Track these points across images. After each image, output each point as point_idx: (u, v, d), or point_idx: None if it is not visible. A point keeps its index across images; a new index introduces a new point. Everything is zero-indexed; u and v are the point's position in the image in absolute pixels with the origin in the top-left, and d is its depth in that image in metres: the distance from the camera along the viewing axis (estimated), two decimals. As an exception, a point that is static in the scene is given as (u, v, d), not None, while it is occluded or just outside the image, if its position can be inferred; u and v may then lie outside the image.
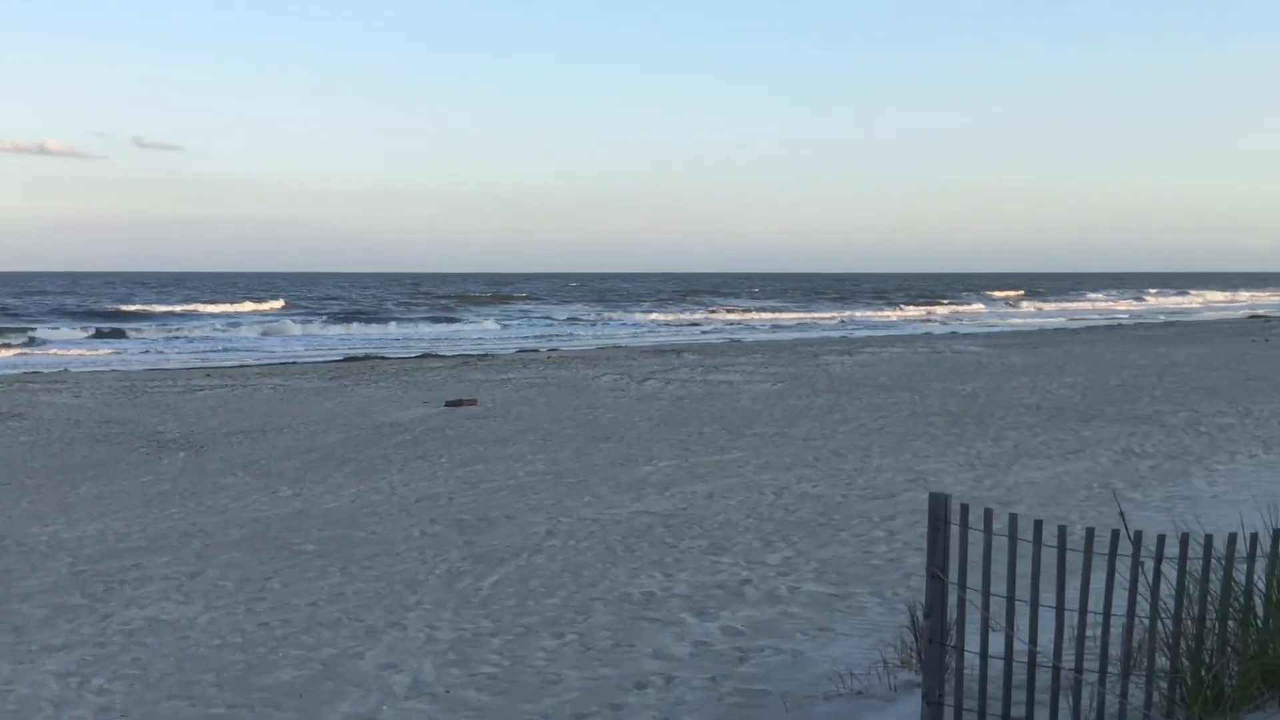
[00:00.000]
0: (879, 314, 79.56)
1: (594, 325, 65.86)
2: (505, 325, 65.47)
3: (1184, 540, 4.91)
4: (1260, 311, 73.20)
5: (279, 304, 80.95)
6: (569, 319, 71.42)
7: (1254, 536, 4.93)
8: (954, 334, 51.45)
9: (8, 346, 46.01)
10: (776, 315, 77.99)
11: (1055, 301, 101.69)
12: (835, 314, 78.41)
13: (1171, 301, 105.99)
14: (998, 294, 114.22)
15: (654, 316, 74.34)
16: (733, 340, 48.97)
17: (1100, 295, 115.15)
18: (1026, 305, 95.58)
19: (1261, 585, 4.86)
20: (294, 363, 38.38)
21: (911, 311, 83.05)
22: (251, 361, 39.15)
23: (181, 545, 10.79)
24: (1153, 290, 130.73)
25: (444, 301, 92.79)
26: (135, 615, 8.44)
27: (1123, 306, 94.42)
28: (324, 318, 68.86)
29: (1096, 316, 75.59)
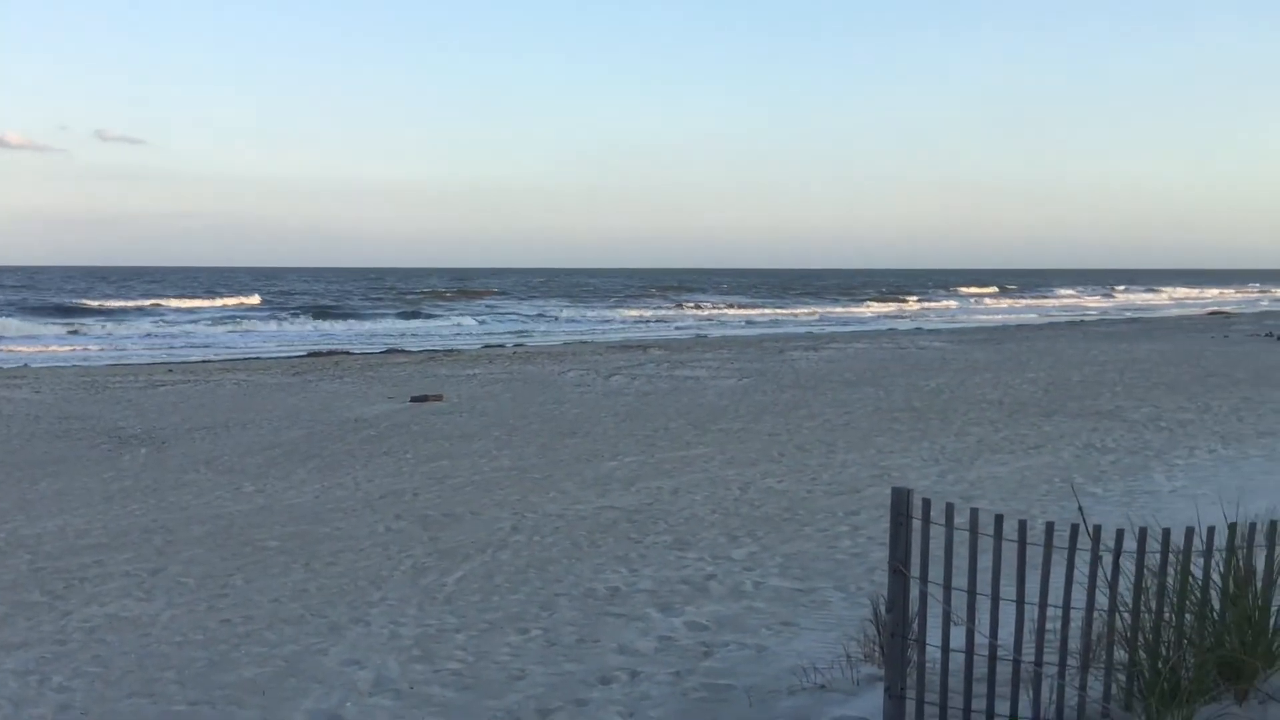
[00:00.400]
0: (848, 310, 79.88)
1: (560, 321, 65.76)
2: (473, 320, 65.23)
3: (1142, 535, 4.96)
4: (1223, 309, 74.09)
5: (255, 299, 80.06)
6: (536, 315, 71.28)
7: (1211, 530, 4.99)
8: (919, 330, 51.75)
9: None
10: (744, 311, 78.17)
11: (1025, 298, 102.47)
12: (804, 310, 78.67)
13: (1140, 298, 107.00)
14: (969, 290, 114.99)
15: (621, 312, 74.33)
16: (699, 336, 49.05)
17: (1071, 291, 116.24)
18: (997, 301, 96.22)
19: (1218, 579, 4.91)
20: (258, 358, 38.08)
21: (880, 307, 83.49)
22: (214, 357, 38.83)
23: (143, 542, 10.69)
24: (1121, 287, 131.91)
25: (409, 297, 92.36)
26: (96, 613, 8.36)
27: (1092, 303, 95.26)
28: (290, 313, 68.36)
29: (1064, 313, 76.20)
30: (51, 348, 43.77)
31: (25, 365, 34.47)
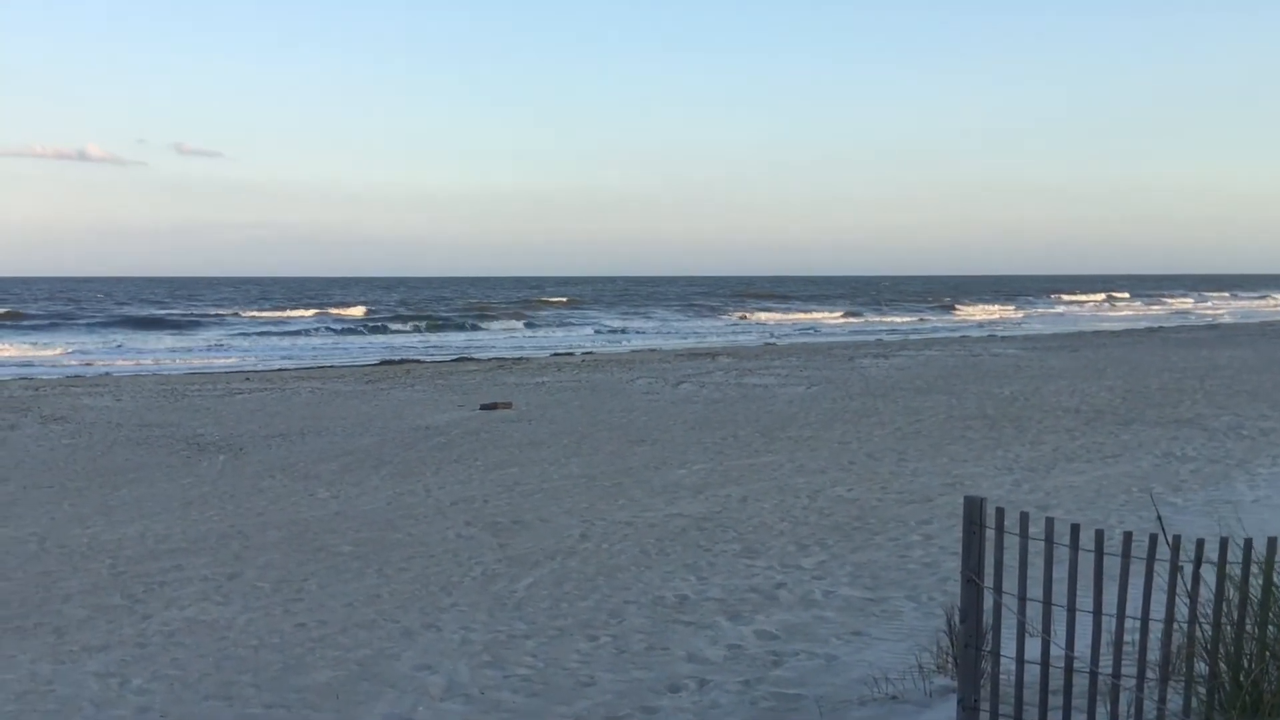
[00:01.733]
0: (945, 318, 78.97)
1: (628, 330, 65.90)
2: (539, 329, 65.63)
3: (1223, 544, 4.85)
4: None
5: (358, 310, 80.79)
6: (606, 322, 71.50)
7: (1294, 540, 4.86)
8: (992, 337, 51.07)
9: (50, 348, 46.69)
10: (812, 317, 77.77)
11: (1139, 304, 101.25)
12: (903, 317, 78.04)
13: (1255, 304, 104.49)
14: (1079, 296, 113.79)
15: (689, 320, 74.31)
16: (767, 343, 48.85)
17: (1190, 297, 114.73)
18: (1117, 309, 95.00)
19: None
20: (332, 366, 38.65)
21: (983, 312, 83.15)
22: (290, 365, 39.47)
23: (220, 547, 10.89)
24: (1225, 294, 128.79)
25: (482, 306, 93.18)
26: (174, 616, 8.52)
27: (1211, 309, 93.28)
28: (368, 323, 69.34)
29: (1193, 318, 74.77)
30: (129, 361, 44.80)
31: (107, 374, 35.32)
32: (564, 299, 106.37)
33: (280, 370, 36.22)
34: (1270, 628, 4.78)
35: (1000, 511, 5.16)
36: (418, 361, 39.37)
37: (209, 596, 9.07)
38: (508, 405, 22.27)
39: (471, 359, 40.38)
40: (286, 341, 54.20)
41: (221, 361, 42.29)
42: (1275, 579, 4.82)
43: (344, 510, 12.63)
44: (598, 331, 63.08)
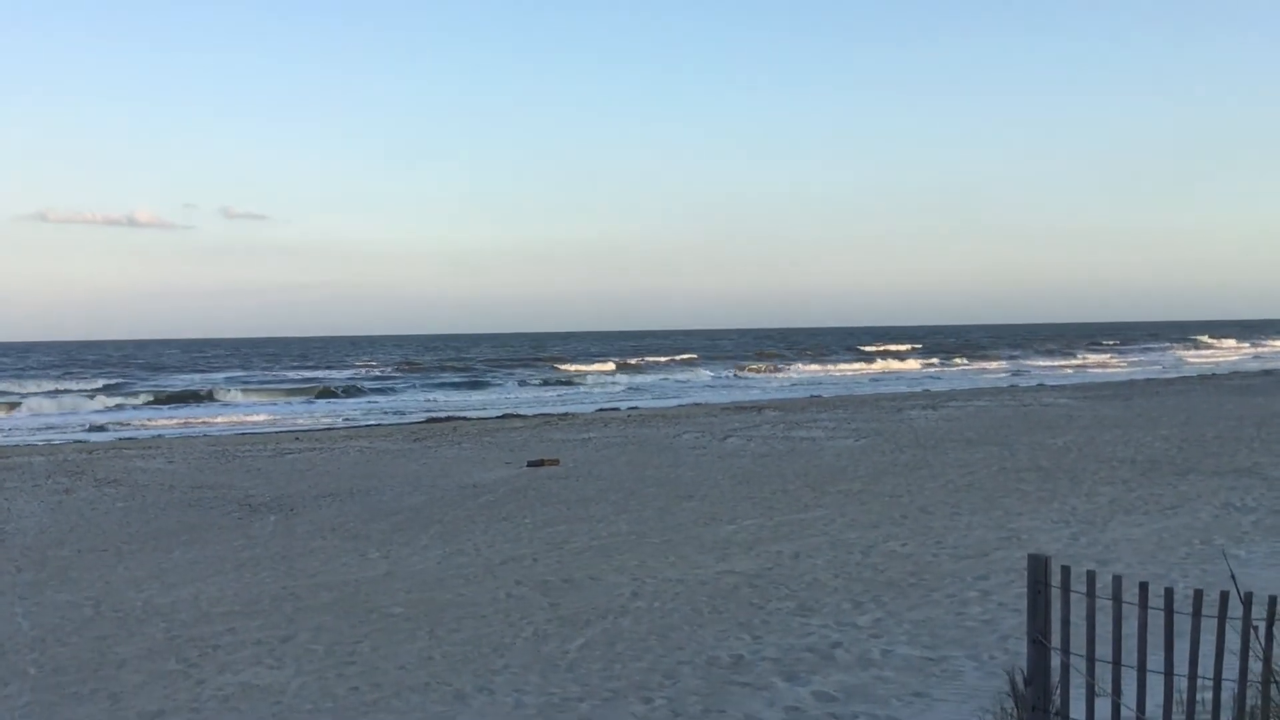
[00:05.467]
0: (1044, 363, 78.41)
1: (672, 384, 65.89)
2: (581, 384, 65.80)
3: (1297, 602, 4.71)
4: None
5: (394, 368, 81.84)
6: (651, 378, 71.53)
7: (1373, 598, 4.72)
8: (1041, 386, 50.53)
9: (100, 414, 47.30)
10: (854, 368, 77.41)
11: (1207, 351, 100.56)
12: (938, 366, 77.56)
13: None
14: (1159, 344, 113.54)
15: (734, 372, 74.22)
16: (814, 395, 48.63)
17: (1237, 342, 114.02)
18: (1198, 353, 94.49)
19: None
20: (379, 425, 38.90)
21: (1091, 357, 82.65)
22: (339, 424, 39.77)
23: (273, 609, 10.91)
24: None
25: (533, 362, 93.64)
26: (229, 681, 8.52)
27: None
28: (405, 380, 69.82)
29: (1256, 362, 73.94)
30: (179, 421, 45.30)
31: (159, 436, 35.74)
32: (612, 357, 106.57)
33: (329, 430, 36.50)
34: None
35: (1066, 569, 5.06)
36: (464, 419, 39.54)
37: (262, 660, 9.07)
38: (555, 462, 22.26)
39: (518, 415, 40.49)
40: (333, 403, 54.65)
41: (269, 420, 42.70)
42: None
43: (394, 570, 12.63)
44: (634, 386, 63.14)
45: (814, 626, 9.29)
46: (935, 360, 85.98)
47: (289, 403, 54.15)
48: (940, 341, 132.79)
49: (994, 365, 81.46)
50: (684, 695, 7.61)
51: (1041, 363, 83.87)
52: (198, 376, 77.06)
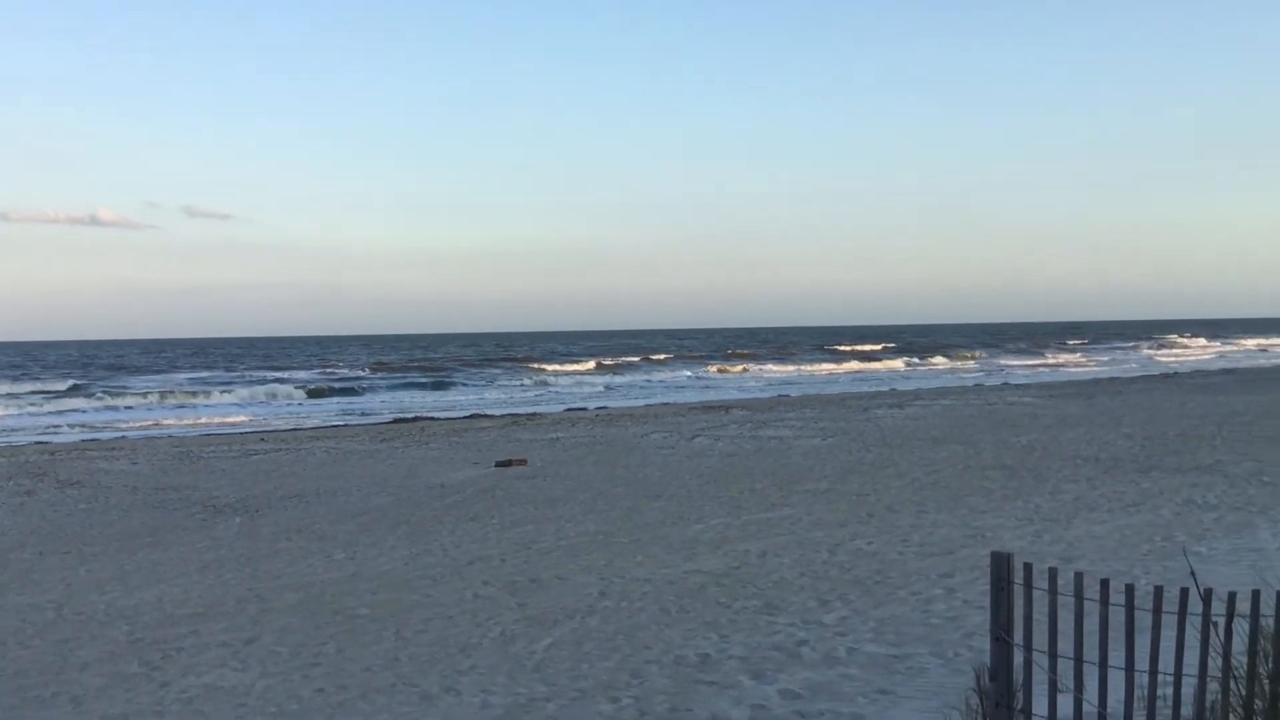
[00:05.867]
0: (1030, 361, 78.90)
1: (640, 384, 65.91)
2: (549, 385, 65.71)
3: (1255, 596, 4.77)
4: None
5: (368, 369, 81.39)
6: (619, 377, 71.54)
7: (1329, 592, 4.79)
8: (1006, 385, 50.92)
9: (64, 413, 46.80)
10: (824, 368, 77.71)
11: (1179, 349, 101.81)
12: (898, 363, 77.97)
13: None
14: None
15: (702, 372, 74.34)
16: (781, 395, 48.78)
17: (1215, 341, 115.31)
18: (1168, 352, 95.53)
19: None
20: (346, 425, 38.70)
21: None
22: (304, 425, 39.52)
23: (237, 611, 10.83)
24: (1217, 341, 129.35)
25: (500, 362, 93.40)
26: (193, 683, 8.45)
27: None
28: (373, 381, 69.51)
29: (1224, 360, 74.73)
30: (142, 422, 44.91)
31: (122, 437, 35.39)
32: (574, 354, 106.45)
33: (294, 430, 36.28)
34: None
35: (1029, 567, 5.10)
36: (431, 419, 39.40)
37: (226, 662, 9.00)
38: (522, 462, 22.22)
39: (485, 415, 40.39)
40: (298, 400, 54.33)
41: (234, 422, 42.38)
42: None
43: (361, 571, 12.57)
44: (603, 385, 63.09)
45: (780, 625, 9.32)
46: (906, 360, 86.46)
47: (254, 403, 53.75)
48: (912, 341, 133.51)
49: (963, 364, 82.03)
50: (651, 694, 7.62)
51: (1012, 361, 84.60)
52: (161, 377, 76.34)
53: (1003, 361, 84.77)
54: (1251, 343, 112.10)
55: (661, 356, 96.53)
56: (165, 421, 43.57)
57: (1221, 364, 71.28)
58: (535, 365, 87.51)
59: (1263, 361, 73.25)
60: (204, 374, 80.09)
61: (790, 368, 79.80)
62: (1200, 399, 34.00)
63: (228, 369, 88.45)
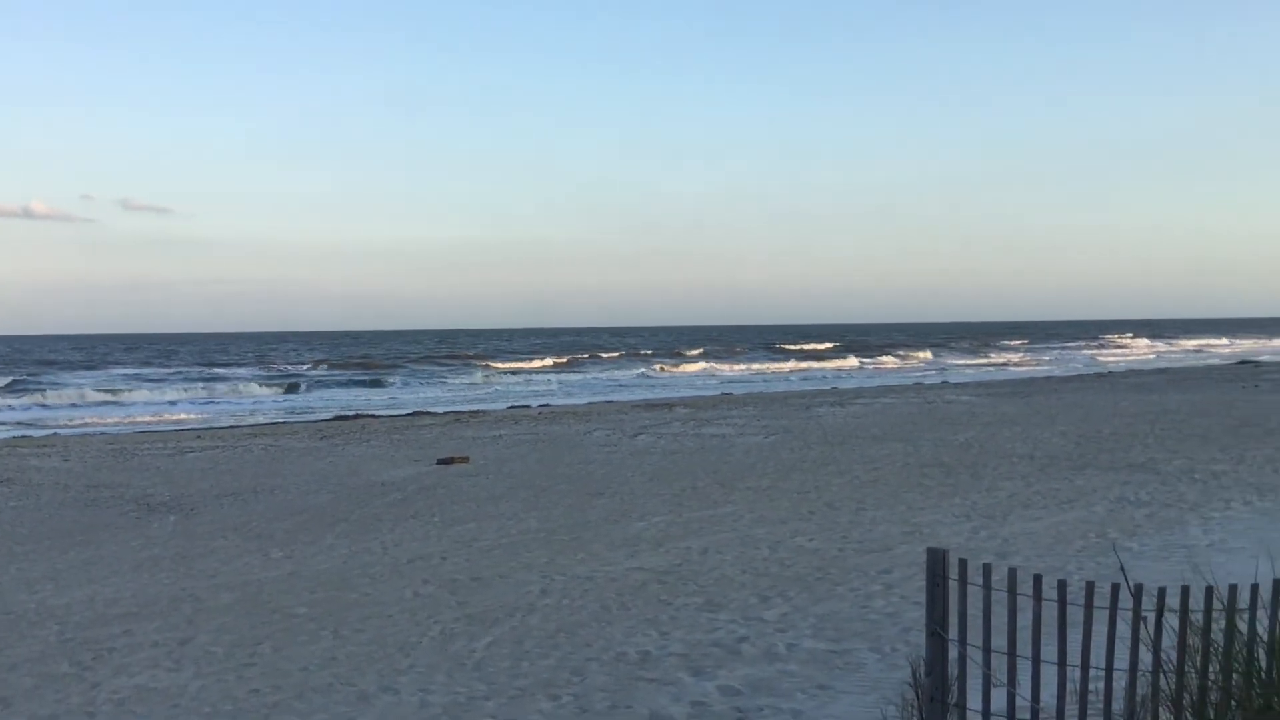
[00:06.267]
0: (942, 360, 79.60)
1: (585, 381, 65.85)
2: (497, 381, 65.45)
3: (1184, 592, 4.86)
4: (1253, 358, 73.51)
5: (309, 366, 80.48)
6: (563, 376, 71.42)
7: (1254, 587, 4.89)
8: (945, 383, 51.50)
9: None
10: (769, 366, 78.13)
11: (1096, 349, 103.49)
12: (845, 362, 78.60)
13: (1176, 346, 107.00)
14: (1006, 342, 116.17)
15: (647, 370, 74.43)
16: (725, 393, 48.96)
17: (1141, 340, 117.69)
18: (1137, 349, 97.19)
19: (1265, 636, 4.80)
20: (285, 422, 38.26)
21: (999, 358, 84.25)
22: (242, 422, 39.02)
23: (171, 610, 10.66)
24: (1129, 335, 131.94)
25: (440, 359, 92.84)
26: (124, 684, 8.31)
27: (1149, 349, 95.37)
28: (310, 379, 68.81)
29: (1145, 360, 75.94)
30: (84, 418, 44.11)
31: (54, 434, 34.73)
32: (521, 350, 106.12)
33: (232, 428, 35.81)
34: (1234, 676, 4.78)
35: (963, 563, 5.15)
36: (372, 416, 39.07)
37: (160, 663, 8.86)
38: (464, 459, 22.11)
39: (428, 413, 40.13)
40: (231, 398, 53.65)
41: (171, 419, 41.76)
42: (1237, 626, 4.83)
43: (298, 570, 12.43)
44: (546, 383, 62.97)
45: (721, 621, 9.35)
46: (854, 358, 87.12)
47: (191, 400, 52.98)
48: (860, 340, 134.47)
49: (907, 363, 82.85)
50: (591, 692, 7.61)
51: (958, 361, 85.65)
52: (96, 373, 75.02)
53: (949, 360, 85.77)
54: (1191, 343, 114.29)
55: (609, 355, 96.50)
56: (99, 418, 42.81)
57: (1158, 364, 72.66)
58: (481, 362, 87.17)
59: (1196, 362, 74.76)
60: (140, 370, 78.82)
61: (736, 366, 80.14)
62: (1134, 398, 34.62)
63: (165, 365, 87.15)
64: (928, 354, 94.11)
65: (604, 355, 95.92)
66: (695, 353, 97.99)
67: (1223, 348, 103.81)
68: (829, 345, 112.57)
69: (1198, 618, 4.84)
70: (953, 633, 5.10)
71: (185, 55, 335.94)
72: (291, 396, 55.59)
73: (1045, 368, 72.89)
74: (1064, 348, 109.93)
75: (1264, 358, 74.43)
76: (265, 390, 58.75)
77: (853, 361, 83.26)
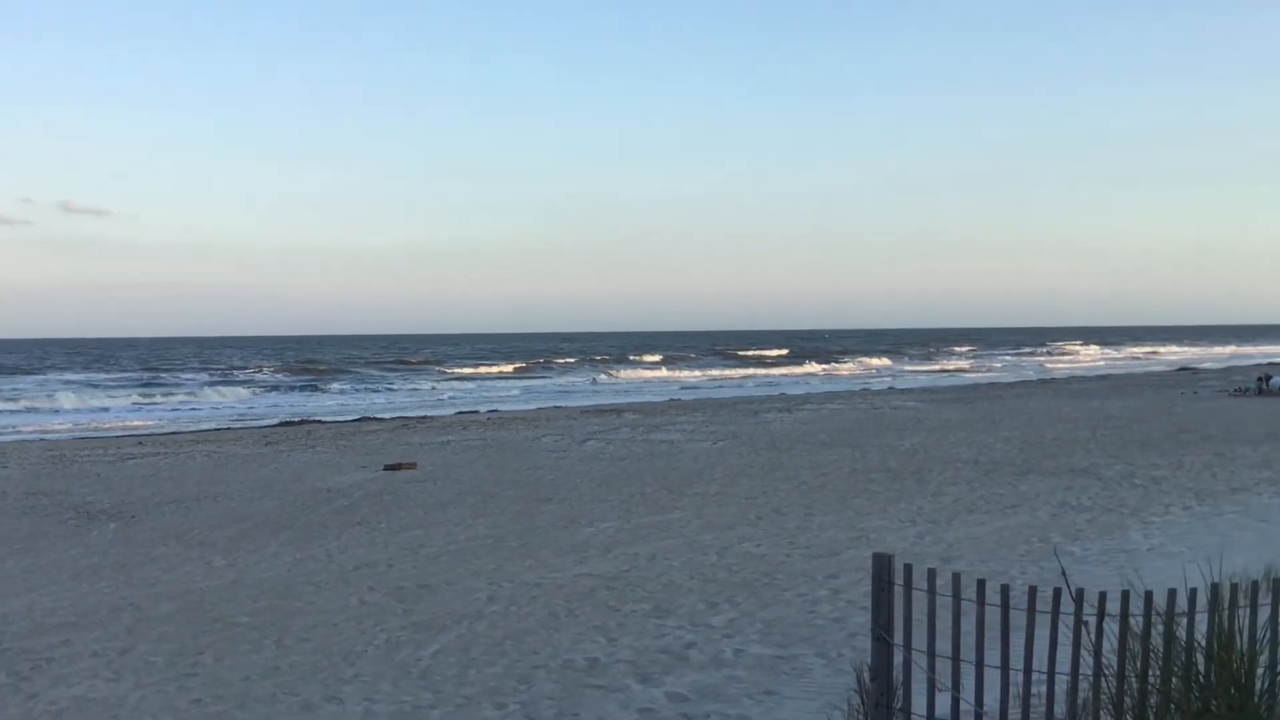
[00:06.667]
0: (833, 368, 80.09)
1: (535, 387, 65.68)
2: (446, 386, 65.08)
3: (1125, 597, 4.93)
4: (1192, 365, 74.87)
5: (256, 370, 79.47)
6: (513, 380, 71.17)
7: (1194, 592, 4.97)
8: (891, 389, 51.94)
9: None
10: (716, 374, 78.36)
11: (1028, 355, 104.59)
12: (800, 369, 78.98)
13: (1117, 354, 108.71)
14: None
15: (599, 376, 74.36)
16: (673, 399, 49.03)
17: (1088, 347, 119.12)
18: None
19: (1203, 640, 4.88)
20: (228, 428, 37.79)
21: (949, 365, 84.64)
22: (184, 428, 38.49)
23: (111, 620, 10.48)
24: (1079, 343, 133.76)
25: (385, 364, 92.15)
26: (63, 695, 8.15)
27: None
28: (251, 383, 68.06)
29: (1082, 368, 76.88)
30: (24, 425, 43.28)
31: (-8, 440, 34.03)
32: (467, 355, 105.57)
33: (174, 434, 35.30)
34: (1173, 679, 4.85)
35: (909, 568, 5.19)
36: (319, 422, 38.69)
37: (99, 673, 8.70)
38: (412, 465, 21.95)
39: (374, 418, 39.81)
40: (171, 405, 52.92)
41: (112, 425, 41.09)
42: (1175, 631, 4.90)
43: (241, 579, 12.27)
44: (498, 388, 62.71)
45: (669, 628, 9.36)
46: (803, 364, 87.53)
47: (132, 406, 52.15)
48: (812, 346, 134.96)
49: (854, 370, 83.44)
50: (538, 700, 7.57)
51: (909, 367, 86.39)
52: (34, 378, 73.67)
53: (904, 367, 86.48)
54: (1139, 351, 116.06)
55: (563, 360, 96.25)
56: (38, 425, 42.02)
57: (1102, 371, 73.74)
58: (431, 367, 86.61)
59: (1138, 369, 75.98)
60: (80, 375, 77.48)
61: (686, 372, 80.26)
62: (1076, 404, 35.12)
63: (105, 370, 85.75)
64: (883, 360, 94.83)
65: (559, 361, 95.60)
66: (648, 359, 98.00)
67: (1167, 355, 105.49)
68: (782, 352, 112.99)
69: (1138, 622, 4.91)
70: (898, 637, 5.13)
71: (124, 54, 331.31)
72: (236, 402, 54.89)
73: (994, 374, 73.73)
74: (1012, 354, 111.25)
75: (1206, 364, 75.80)
76: (209, 396, 57.96)
77: (810, 368, 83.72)
